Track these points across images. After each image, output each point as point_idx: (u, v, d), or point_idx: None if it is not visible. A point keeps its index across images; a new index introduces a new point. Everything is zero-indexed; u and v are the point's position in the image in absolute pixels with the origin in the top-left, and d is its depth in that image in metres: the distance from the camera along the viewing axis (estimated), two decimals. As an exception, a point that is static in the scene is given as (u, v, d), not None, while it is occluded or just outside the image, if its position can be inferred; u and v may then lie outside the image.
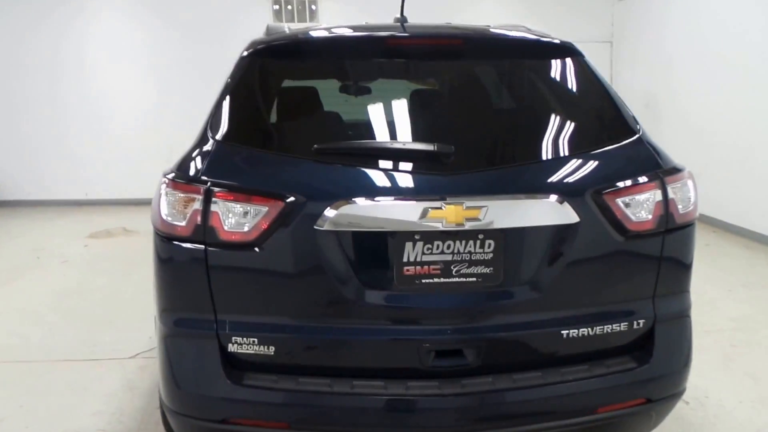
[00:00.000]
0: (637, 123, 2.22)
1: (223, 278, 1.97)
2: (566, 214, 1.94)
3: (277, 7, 8.18)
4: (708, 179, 5.93)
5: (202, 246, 1.95)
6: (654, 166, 2.10)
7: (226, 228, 1.93)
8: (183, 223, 1.96)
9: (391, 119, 2.18)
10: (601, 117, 2.23)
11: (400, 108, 2.31)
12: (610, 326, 2.03)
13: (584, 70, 2.25)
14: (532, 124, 2.23)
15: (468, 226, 1.87)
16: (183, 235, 1.97)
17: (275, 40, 2.27)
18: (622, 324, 2.05)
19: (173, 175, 2.07)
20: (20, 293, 4.88)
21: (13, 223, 7.51)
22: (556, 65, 2.28)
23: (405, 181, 1.94)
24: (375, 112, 2.30)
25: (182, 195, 1.98)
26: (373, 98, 2.30)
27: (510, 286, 1.96)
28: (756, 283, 4.92)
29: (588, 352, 2.04)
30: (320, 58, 2.28)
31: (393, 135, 2.15)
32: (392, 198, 1.90)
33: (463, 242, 1.91)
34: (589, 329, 2.01)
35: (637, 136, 2.17)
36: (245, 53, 2.23)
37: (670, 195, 2.06)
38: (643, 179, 2.05)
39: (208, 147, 2.09)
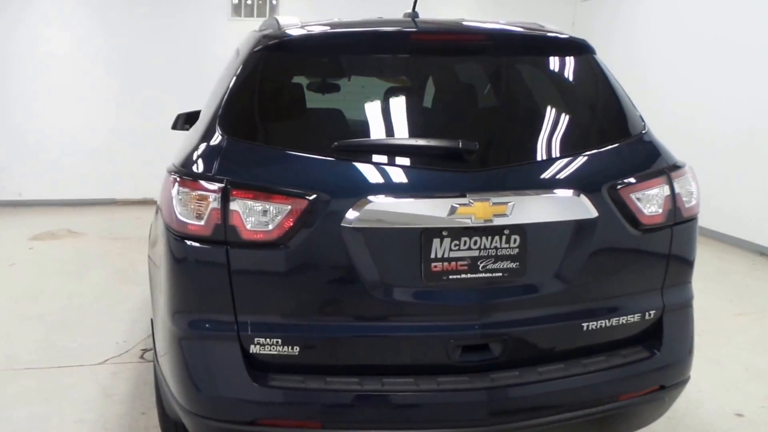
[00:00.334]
0: (642, 120, 2.30)
1: (245, 278, 1.93)
2: (586, 209, 1.99)
3: (236, 1, 7.97)
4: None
5: (223, 246, 1.89)
6: (660, 162, 2.20)
7: (248, 227, 1.88)
8: (201, 223, 1.91)
9: (411, 115, 2.18)
10: (612, 114, 2.29)
11: (420, 104, 2.32)
12: (625, 317, 2.10)
13: (597, 67, 2.31)
14: (549, 120, 2.27)
15: (496, 221, 1.90)
16: (201, 235, 1.91)
17: (289, 35, 2.22)
18: (636, 315, 2.12)
19: (184, 172, 2.00)
20: (-33, 299, 4.60)
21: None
22: (572, 62, 2.33)
23: (432, 177, 1.95)
24: (395, 109, 2.29)
25: (197, 193, 1.93)
26: (392, 94, 2.28)
27: (534, 280, 2.00)
28: (710, 277, 5.15)
29: (604, 342, 2.11)
30: (337, 54, 2.25)
31: (415, 132, 2.16)
32: (420, 194, 1.91)
33: (490, 238, 1.93)
34: (606, 321, 2.07)
35: (643, 132, 2.26)
36: (257, 48, 2.17)
37: (677, 190, 2.15)
38: (653, 175, 2.13)
39: (218, 143, 2.03)
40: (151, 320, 2.54)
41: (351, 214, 1.86)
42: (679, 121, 6.44)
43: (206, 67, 7.67)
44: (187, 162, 2.07)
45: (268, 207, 1.88)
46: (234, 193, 1.89)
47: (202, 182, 1.94)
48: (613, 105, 2.29)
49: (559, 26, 2.44)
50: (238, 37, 9.37)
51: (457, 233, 1.91)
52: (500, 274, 1.96)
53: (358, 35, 2.27)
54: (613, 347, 2.13)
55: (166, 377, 2.15)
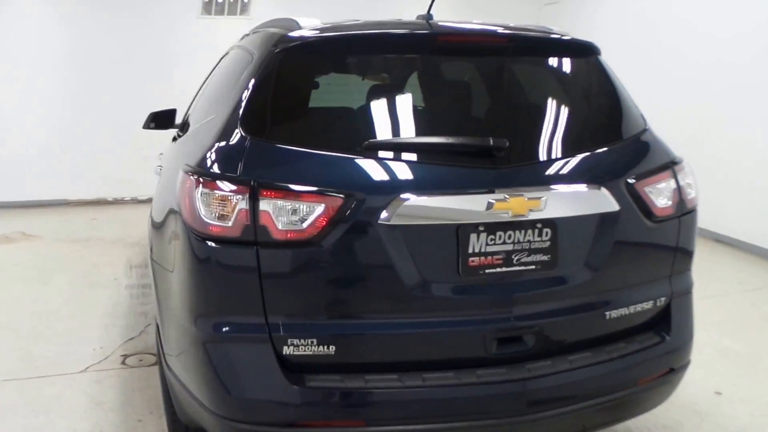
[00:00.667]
0: (643, 118, 2.41)
1: (276, 279, 1.91)
2: (609, 203, 2.08)
3: (207, -1, 7.76)
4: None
5: (253, 246, 1.87)
6: (664, 157, 2.31)
7: (279, 227, 1.86)
8: (228, 224, 1.87)
9: (438, 114, 2.21)
10: (621, 111, 2.38)
11: (446, 103, 2.35)
12: (641, 305, 2.20)
13: (603, 68, 2.40)
14: (568, 118, 2.34)
15: (531, 216, 1.95)
16: (229, 236, 1.88)
17: (318, 35, 2.21)
18: (649, 302, 2.22)
19: (208, 173, 1.96)
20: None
21: None
22: (585, 63, 2.40)
23: (464, 174, 1.99)
24: (422, 107, 2.30)
25: (223, 194, 1.89)
26: (418, 94, 2.29)
27: (564, 271, 2.06)
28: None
29: (623, 330, 2.20)
30: (363, 55, 2.25)
31: (444, 130, 2.18)
32: (456, 191, 1.93)
33: (524, 232, 1.98)
34: (626, 309, 2.17)
35: (646, 129, 2.36)
36: (281, 48, 2.14)
37: (681, 183, 2.27)
38: (660, 169, 2.24)
39: (241, 143, 1.99)
40: (157, 326, 2.47)
41: (389, 212, 1.87)
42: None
43: (175, 66, 7.51)
44: (208, 162, 2.03)
45: (299, 206, 1.86)
46: (263, 192, 1.86)
47: (229, 183, 1.91)
48: (620, 103, 2.38)
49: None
50: (208, 35, 9.17)
51: (492, 228, 1.95)
52: (533, 266, 2.01)
53: (387, 37, 2.28)
54: (629, 334, 2.22)
55: (184, 381, 2.10)
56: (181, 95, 7.05)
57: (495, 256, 1.96)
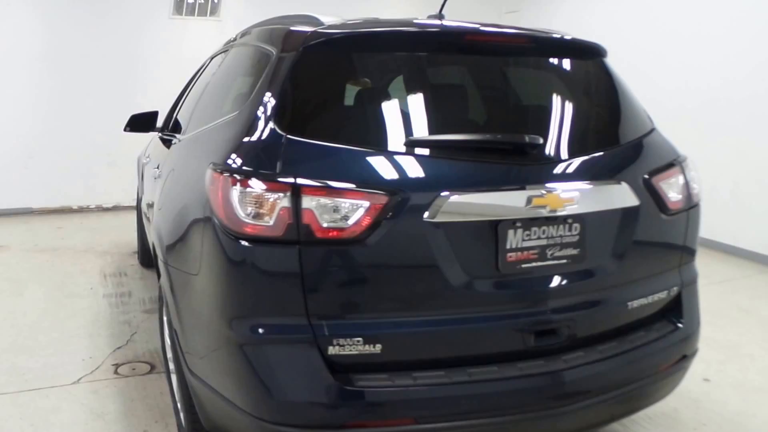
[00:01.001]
0: (649, 117, 2.51)
1: (319, 278, 1.89)
2: (631, 198, 2.16)
3: (178, -1, 7.59)
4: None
5: (295, 246, 1.84)
6: (672, 153, 2.41)
7: (323, 225, 1.84)
8: (269, 223, 1.84)
9: (473, 112, 2.24)
10: (632, 110, 2.46)
11: (478, 101, 2.38)
12: (657, 294, 2.29)
13: (610, 69, 2.49)
14: (590, 117, 2.42)
15: (566, 211, 2.00)
16: (269, 236, 1.85)
17: (348, 31, 2.20)
18: (664, 291, 2.32)
19: (246, 171, 1.92)
20: None
21: None
22: (596, 64, 2.48)
23: (502, 170, 2.02)
24: (456, 105, 2.32)
25: (263, 193, 1.86)
26: (450, 91, 2.32)
27: (592, 264, 2.12)
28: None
29: (642, 318, 2.29)
30: (395, 52, 2.24)
31: (480, 127, 2.23)
32: (496, 187, 1.97)
33: (556, 227, 2.03)
34: (645, 298, 2.25)
35: (654, 127, 2.47)
36: (310, 44, 2.11)
37: (688, 178, 2.38)
38: (670, 165, 2.34)
39: (276, 141, 1.96)
40: (174, 331, 2.40)
41: (432, 209, 1.88)
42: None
43: (145, 67, 7.33)
44: (243, 160, 1.97)
45: (343, 204, 1.85)
46: (305, 190, 1.84)
47: (269, 181, 1.87)
48: (630, 101, 2.47)
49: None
50: (178, 36, 8.95)
51: (528, 224, 1.99)
52: (565, 260, 2.06)
53: (417, 34, 2.30)
54: (647, 323, 2.31)
55: (215, 386, 2.06)
56: (153, 97, 6.91)
57: (531, 251, 2.01)
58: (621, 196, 2.15)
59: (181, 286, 2.32)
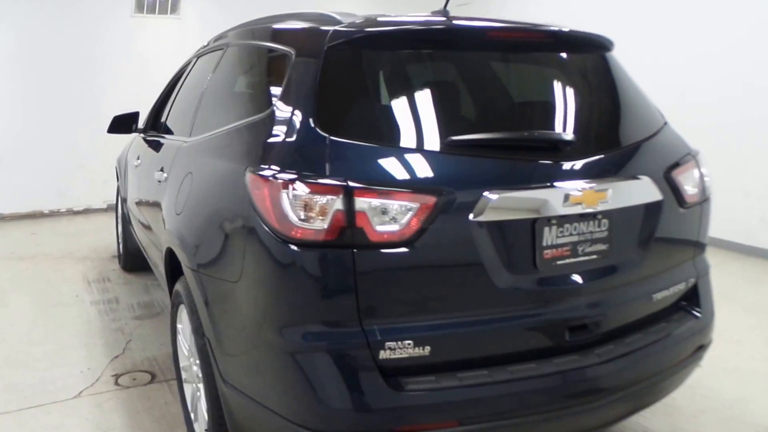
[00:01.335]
0: (660, 112, 2.55)
1: (372, 281, 1.84)
2: (655, 193, 2.20)
3: (139, -4, 7.39)
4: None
5: (349, 249, 1.80)
6: (686, 148, 2.46)
7: (376, 228, 1.81)
8: (323, 226, 1.79)
9: (508, 109, 2.26)
10: (646, 105, 2.49)
11: (510, 98, 2.39)
12: (676, 286, 2.34)
13: (620, 65, 2.51)
14: (613, 113, 2.44)
15: (599, 207, 2.03)
16: (321, 240, 1.80)
17: (373, 30, 2.14)
18: (682, 283, 2.37)
19: (294, 174, 1.86)
20: None
21: None
22: (609, 59, 2.49)
23: (544, 168, 2.03)
24: (491, 103, 2.31)
25: (314, 196, 1.81)
26: (481, 88, 2.31)
27: (619, 259, 2.15)
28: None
29: (663, 310, 2.33)
30: (427, 49, 2.22)
31: (517, 125, 2.23)
32: (535, 185, 1.98)
33: (587, 223, 2.06)
34: (667, 290, 2.30)
35: (667, 123, 2.50)
36: (338, 41, 2.06)
37: (702, 171, 2.43)
38: (687, 159, 2.39)
39: (320, 142, 1.91)
40: (207, 339, 2.30)
41: (479, 208, 1.87)
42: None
43: (108, 66, 7.14)
44: (287, 163, 1.91)
45: (395, 206, 1.81)
46: (358, 193, 1.80)
47: (321, 183, 1.82)
48: (643, 97, 2.50)
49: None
50: (139, 34, 8.79)
51: (561, 221, 2.01)
52: (595, 256, 2.09)
53: (447, 31, 2.28)
54: (667, 315, 2.36)
55: (255, 396, 2.01)
56: (117, 96, 6.77)
57: (564, 248, 2.02)
58: (646, 191, 2.18)
59: (216, 293, 2.22)
